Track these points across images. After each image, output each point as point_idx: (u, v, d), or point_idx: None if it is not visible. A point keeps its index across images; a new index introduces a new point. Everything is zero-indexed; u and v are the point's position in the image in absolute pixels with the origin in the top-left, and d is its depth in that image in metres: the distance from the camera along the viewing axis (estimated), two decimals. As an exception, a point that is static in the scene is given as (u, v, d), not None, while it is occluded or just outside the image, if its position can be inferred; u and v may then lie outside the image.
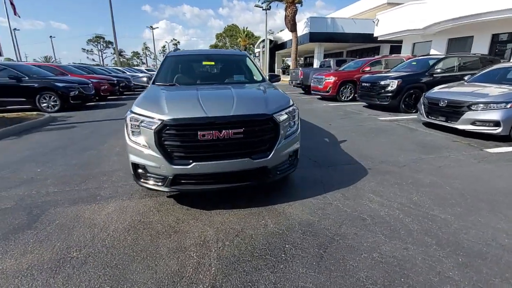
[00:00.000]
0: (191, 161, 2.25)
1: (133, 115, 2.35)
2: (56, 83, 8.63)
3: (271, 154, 2.41)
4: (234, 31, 62.64)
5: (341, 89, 10.12)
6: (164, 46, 79.30)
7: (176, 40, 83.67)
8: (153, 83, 3.32)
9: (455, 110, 4.88)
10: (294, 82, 13.91)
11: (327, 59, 15.04)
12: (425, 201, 2.68)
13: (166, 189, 2.35)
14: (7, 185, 3.18)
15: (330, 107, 8.99)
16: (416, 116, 6.39)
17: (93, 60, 66.03)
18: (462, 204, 2.62)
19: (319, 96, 11.17)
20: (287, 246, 2.04)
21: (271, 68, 37.14)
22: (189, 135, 2.21)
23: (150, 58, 77.35)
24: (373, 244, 2.04)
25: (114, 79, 12.67)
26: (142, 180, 2.42)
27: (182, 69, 3.67)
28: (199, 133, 2.18)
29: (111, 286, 1.69)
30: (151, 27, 48.78)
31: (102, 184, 3.19)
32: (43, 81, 8.60)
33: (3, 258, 1.96)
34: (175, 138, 2.23)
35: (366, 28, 20.92)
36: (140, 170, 2.40)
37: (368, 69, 10.00)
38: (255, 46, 45.47)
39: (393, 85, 7.20)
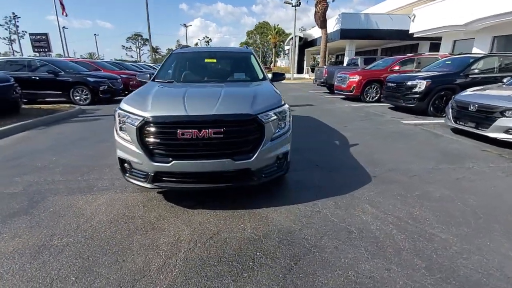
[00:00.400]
0: (171, 159, 2.24)
1: (120, 111, 2.40)
2: (88, 78, 9.27)
3: (255, 156, 2.31)
4: (265, 28, 62.49)
5: (366, 89, 9.58)
6: (196, 44, 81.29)
7: (208, 37, 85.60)
8: (153, 79, 3.37)
9: (486, 115, 4.33)
10: (318, 80, 13.49)
11: (355, 57, 14.34)
12: (427, 217, 2.40)
13: (148, 186, 2.36)
14: (22, 172, 3.45)
15: (351, 108, 8.55)
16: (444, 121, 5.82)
17: (131, 56, 70.11)
18: (471, 223, 2.30)
19: (343, 96, 10.70)
20: (258, 254, 1.94)
21: (300, 66, 36.47)
22: (169, 133, 2.19)
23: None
24: (352, 261, 1.86)
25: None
26: (127, 175, 2.46)
27: (184, 66, 3.69)
28: (178, 131, 2.16)
29: (76, 277, 1.74)
30: (185, 24, 50.37)
31: (103, 176, 3.33)
32: (77, 76, 9.28)
33: None
34: (155, 136, 2.23)
35: (403, 24, 19.50)
36: (126, 165, 2.45)
37: (397, 68, 9.34)
38: (285, 43, 44.86)
39: (421, 85, 6.62)
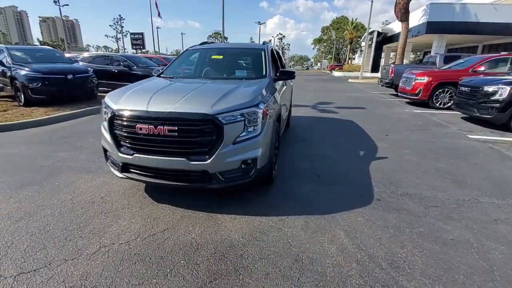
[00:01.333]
0: (132, 152, 2.31)
1: (103, 102, 2.60)
2: (153, 72, 10.50)
3: (211, 159, 2.19)
4: (342, 24, 58.91)
5: (437, 93, 8.01)
6: (270, 41, 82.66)
7: (281, 34, 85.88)
8: (159, 75, 3.54)
9: None
10: (382, 81, 11.97)
11: (433, 55, 12.12)
12: (413, 264, 1.84)
13: (119, 175, 2.50)
14: (63, 149, 4.14)
15: (411, 115, 7.29)
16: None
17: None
18: (473, 283, 1.66)
19: (408, 100, 9.22)
20: (182, 262, 1.83)
21: (376, 64, 33.04)
22: (130, 126, 2.26)
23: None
24: (270, 296, 1.57)
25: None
26: (107, 162, 2.67)
27: (191, 62, 3.76)
28: (137, 126, 2.21)
29: (27, 246, 1.97)
30: (259, 22, 51.71)
31: (114, 160, 3.71)
32: (145, 69, 10.61)
33: (2, 201, 2.60)
34: (120, 128, 2.33)
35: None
36: (107, 153, 2.65)
37: (482, 68, 7.48)
38: (362, 39, 41.37)
39: (503, 92, 5.13)
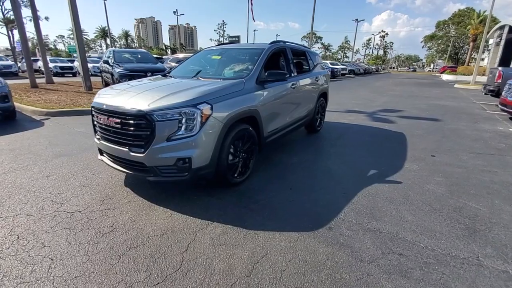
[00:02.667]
0: (99, 138, 2.72)
1: (97, 96, 3.12)
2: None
3: (146, 152, 2.35)
4: (465, 17, 48.22)
5: (557, 108, 5.69)
6: (369, 39, 75.94)
7: (384, 32, 77.22)
8: (165, 74, 3.88)
9: None
10: (486, 87, 9.31)
11: None
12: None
13: (99, 157, 2.97)
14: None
15: (498, 135, 5.44)
16: None
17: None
18: None
19: (513, 115, 6.92)
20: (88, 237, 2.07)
21: (506, 65, 25.58)
22: (95, 116, 2.67)
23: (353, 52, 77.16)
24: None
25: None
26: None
27: (196, 63, 3.95)
28: (98, 116, 2.58)
29: (21, 207, 2.63)
30: (356, 20, 48.05)
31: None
32: None
33: (30, 166, 3.47)
34: (93, 118, 2.77)
35: None
36: (97, 139, 3.18)
37: None
38: (488, 35, 32.83)
39: None
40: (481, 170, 3.56)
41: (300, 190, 2.92)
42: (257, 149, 3.19)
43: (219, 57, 3.84)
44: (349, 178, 3.26)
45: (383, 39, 77.64)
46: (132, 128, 2.39)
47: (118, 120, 2.41)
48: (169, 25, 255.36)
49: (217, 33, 67.15)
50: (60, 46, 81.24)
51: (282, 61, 3.97)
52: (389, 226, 2.29)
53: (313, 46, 75.07)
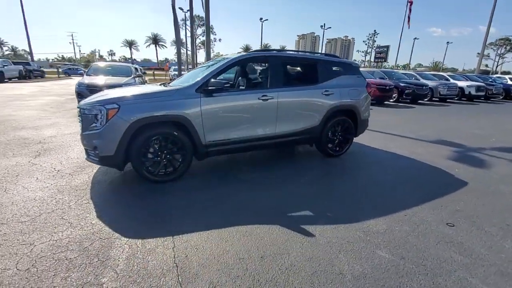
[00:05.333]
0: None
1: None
2: (400, 83, 12.67)
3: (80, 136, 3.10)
4: None
5: None
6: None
7: None
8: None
9: None
10: None
11: None
12: None
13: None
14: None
15: None
16: None
17: (486, 66, 57.59)
18: None
19: None
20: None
21: None
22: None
23: None
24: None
25: (391, 85, 12.29)
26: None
27: (194, 73, 4.29)
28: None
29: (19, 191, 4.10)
30: None
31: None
32: (395, 81, 12.69)
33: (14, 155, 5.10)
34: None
35: None
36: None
37: None
38: None
39: None
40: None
41: (263, 212, 2.76)
42: (188, 155, 3.24)
43: (206, 67, 4.08)
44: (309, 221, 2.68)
45: None
46: (80, 118, 3.19)
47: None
48: (327, 39, 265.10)
49: (366, 44, 63.19)
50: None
51: (261, 71, 3.73)
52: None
53: (504, 56, 55.43)
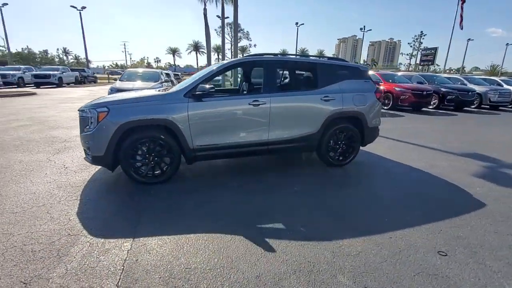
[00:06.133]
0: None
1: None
2: (441, 88, 11.79)
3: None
4: None
5: None
6: None
7: None
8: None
9: None
10: None
11: None
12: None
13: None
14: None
15: None
16: None
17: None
18: None
19: None
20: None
21: None
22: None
23: None
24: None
25: (429, 90, 11.22)
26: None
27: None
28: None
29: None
30: None
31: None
32: (435, 86, 11.92)
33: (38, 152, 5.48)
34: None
35: None
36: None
37: None
38: None
39: None
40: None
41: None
42: (176, 158, 3.29)
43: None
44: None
45: None
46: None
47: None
48: (369, 42, 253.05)
49: (411, 46, 58.57)
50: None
51: (257, 76, 3.65)
52: None
53: None
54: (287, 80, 4.45)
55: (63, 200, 2.88)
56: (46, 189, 3.11)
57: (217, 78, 4.71)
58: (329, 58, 4.30)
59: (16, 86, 18.84)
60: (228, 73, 10.87)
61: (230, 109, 3.43)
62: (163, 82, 9.93)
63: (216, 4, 15.75)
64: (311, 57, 4.03)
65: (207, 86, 3.26)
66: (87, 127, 3.13)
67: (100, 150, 3.09)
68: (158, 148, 3.25)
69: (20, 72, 20.12)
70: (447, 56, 34.98)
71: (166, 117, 3.16)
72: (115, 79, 37.04)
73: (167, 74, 12.05)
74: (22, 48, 66.75)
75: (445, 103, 11.80)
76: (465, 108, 12.33)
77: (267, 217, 2.63)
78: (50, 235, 2.26)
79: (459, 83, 13.59)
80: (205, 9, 14.61)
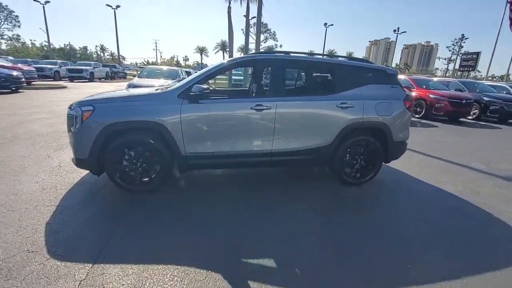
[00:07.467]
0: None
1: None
2: (483, 97, 10.69)
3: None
4: None
5: None
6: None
7: None
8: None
9: None
10: None
11: None
12: None
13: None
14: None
15: None
16: None
17: None
18: None
19: None
20: (23, 180, 3.17)
21: None
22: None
23: None
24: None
25: (469, 98, 10.05)
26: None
27: None
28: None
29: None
30: None
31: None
32: (477, 95, 10.87)
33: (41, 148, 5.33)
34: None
35: None
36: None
37: None
38: None
39: None
40: None
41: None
42: (165, 166, 2.95)
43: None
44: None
45: None
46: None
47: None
48: (404, 45, 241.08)
49: (450, 50, 54.18)
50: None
51: (265, 77, 3.21)
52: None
53: None
54: (300, 83, 3.95)
55: (40, 205, 2.64)
56: (30, 190, 2.91)
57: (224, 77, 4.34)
58: (349, 58, 3.73)
59: (52, 79, 19.99)
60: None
61: (230, 114, 3.02)
62: (181, 79, 9.80)
63: (241, 3, 15.49)
64: (326, 57, 3.49)
65: (204, 86, 2.88)
66: (73, 126, 2.88)
67: (83, 152, 2.82)
68: (147, 153, 2.93)
69: (57, 66, 21.37)
70: (490, 61, 32.01)
71: (156, 120, 2.82)
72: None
73: (187, 72, 11.95)
74: (65, 44, 71.78)
75: (488, 114, 10.50)
76: (510, 121, 10.91)
77: (257, 248, 2.18)
78: (9, 249, 1.99)
79: (504, 92, 12.11)
80: (229, 8, 14.43)
